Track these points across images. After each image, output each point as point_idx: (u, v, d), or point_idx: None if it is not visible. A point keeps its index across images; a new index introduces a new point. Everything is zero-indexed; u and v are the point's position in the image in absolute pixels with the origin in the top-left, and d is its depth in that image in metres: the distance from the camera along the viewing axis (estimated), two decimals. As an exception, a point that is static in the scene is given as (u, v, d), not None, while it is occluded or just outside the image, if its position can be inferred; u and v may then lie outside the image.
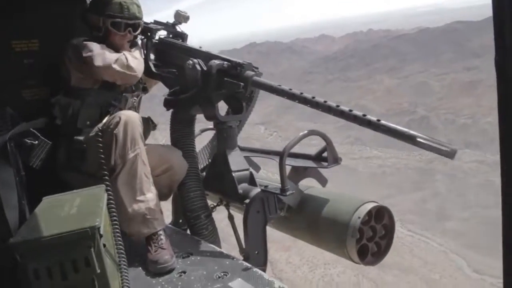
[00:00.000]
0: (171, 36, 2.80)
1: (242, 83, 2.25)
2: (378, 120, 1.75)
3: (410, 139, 1.67)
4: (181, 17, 2.76)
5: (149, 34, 2.74)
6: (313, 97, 1.95)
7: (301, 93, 2.00)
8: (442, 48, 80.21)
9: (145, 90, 2.82)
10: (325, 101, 1.92)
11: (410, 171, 45.68)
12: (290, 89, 2.04)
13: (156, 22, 2.79)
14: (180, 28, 2.82)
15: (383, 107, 62.02)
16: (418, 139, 1.64)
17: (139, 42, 2.74)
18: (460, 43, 79.86)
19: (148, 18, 2.75)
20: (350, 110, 1.82)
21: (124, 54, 2.47)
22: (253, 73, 2.25)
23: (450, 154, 1.60)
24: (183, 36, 2.80)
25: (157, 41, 2.77)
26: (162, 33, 2.80)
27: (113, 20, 2.51)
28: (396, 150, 50.29)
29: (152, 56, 2.79)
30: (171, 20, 2.83)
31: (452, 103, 58.45)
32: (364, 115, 1.79)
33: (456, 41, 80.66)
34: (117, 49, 2.60)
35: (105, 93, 2.50)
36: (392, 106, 61.43)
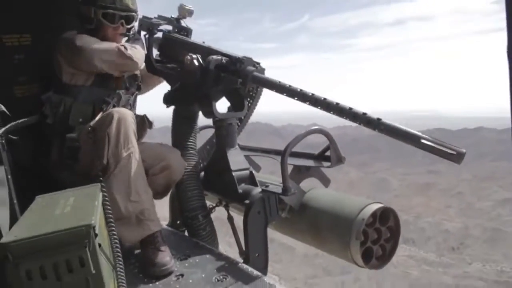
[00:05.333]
0: (176, 31, 2.72)
1: (240, 79, 2.19)
2: (379, 119, 1.64)
3: (413, 140, 1.54)
4: (185, 11, 2.69)
5: (150, 29, 2.67)
6: (312, 94, 1.87)
7: (300, 90, 1.91)
8: (413, 150, 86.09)
9: (139, 88, 2.76)
10: (324, 98, 1.82)
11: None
12: (290, 86, 1.96)
13: (159, 17, 2.72)
14: (185, 22, 2.75)
15: (342, 197, 68.40)
16: (423, 141, 1.51)
17: (142, 37, 2.67)
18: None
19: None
20: (350, 108, 1.72)
21: (121, 44, 2.42)
22: (253, 68, 2.17)
23: (457, 158, 1.46)
24: (187, 31, 2.74)
25: (159, 37, 2.71)
26: (167, 28, 2.74)
27: (105, 11, 2.45)
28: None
29: (155, 52, 2.73)
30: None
31: (406, 201, 64.68)
32: (364, 113, 1.68)
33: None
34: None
35: (97, 90, 2.44)
36: (350, 197, 67.74)
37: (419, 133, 1.54)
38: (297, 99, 1.94)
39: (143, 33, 2.68)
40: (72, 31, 2.43)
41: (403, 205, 62.00)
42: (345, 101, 1.78)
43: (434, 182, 71.17)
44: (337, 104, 1.77)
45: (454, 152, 1.46)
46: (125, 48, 2.39)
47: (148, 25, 2.65)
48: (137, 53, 2.47)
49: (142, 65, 2.54)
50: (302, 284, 45.23)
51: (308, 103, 1.89)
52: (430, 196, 64.16)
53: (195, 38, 2.59)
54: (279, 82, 2.02)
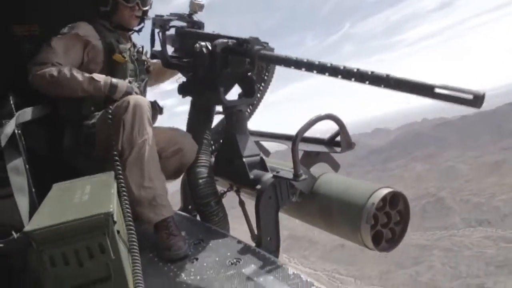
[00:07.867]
0: (188, 26, 2.75)
1: (248, 59, 2.20)
2: (387, 75, 1.57)
3: (426, 90, 1.44)
4: (195, 5, 2.72)
5: (162, 26, 2.70)
6: (319, 62, 1.83)
7: (307, 60, 1.88)
8: (479, 129, 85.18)
9: (148, 72, 2.79)
10: (331, 64, 1.78)
11: (412, 247, 49.06)
12: (296, 58, 1.93)
13: (171, 14, 2.76)
14: (196, 17, 2.78)
15: (410, 192, 64.68)
16: (437, 90, 1.40)
17: (156, 35, 2.72)
18: (499, 124, 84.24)
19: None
20: (357, 69, 1.67)
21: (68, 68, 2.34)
22: (259, 47, 2.17)
23: (475, 102, 1.30)
24: (199, 25, 2.77)
25: (173, 34, 2.75)
26: (180, 24, 2.77)
27: None
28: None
29: (170, 49, 2.76)
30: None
31: (477, 184, 61.03)
32: (372, 72, 1.62)
33: (496, 124, 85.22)
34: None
35: None
36: (419, 191, 64.35)
37: (432, 83, 1.44)
38: (304, 70, 1.90)
39: (156, 30, 2.72)
40: (74, 24, 2.46)
41: (474, 189, 59.62)
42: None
43: (505, 158, 65.85)
44: (344, 67, 1.73)
45: (471, 96, 1.31)
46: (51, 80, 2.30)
47: (161, 22, 2.69)
48: (70, 81, 2.31)
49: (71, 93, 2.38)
50: (378, 281, 45.20)
51: (315, 71, 1.85)
52: (502, 174, 60.23)
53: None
54: (286, 56, 2.01)
